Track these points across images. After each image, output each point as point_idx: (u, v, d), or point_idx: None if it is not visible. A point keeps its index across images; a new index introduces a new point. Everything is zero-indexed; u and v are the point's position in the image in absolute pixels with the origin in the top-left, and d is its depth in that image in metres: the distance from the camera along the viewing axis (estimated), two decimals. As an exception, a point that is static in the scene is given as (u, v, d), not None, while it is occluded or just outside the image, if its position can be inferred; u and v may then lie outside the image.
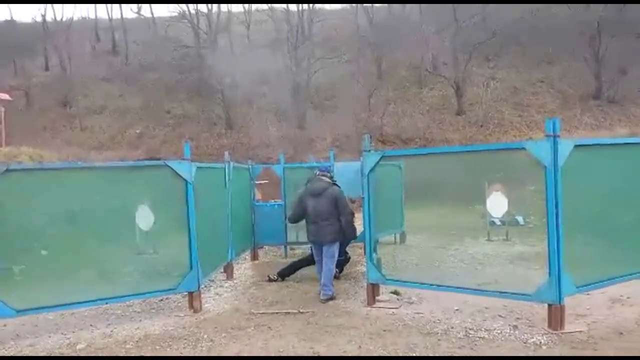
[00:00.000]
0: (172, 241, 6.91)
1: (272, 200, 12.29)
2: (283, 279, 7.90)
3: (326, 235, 6.73)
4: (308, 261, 7.85)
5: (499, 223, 14.67)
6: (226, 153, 8.45)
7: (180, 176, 6.23)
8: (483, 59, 30.70)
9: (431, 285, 5.85)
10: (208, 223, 7.04)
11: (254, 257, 10.17)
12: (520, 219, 14.56)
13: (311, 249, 7.68)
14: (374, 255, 6.21)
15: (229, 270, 8.28)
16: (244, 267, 9.36)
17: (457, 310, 5.88)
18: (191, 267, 6.28)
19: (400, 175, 11.15)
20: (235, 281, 8.07)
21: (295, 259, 8.14)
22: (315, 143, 26.83)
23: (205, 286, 7.28)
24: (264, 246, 10.88)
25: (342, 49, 32.66)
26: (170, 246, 6.93)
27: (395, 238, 11.39)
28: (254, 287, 7.62)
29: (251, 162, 10.32)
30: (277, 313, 6.09)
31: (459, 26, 29.33)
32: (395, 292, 6.59)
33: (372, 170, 6.15)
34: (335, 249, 6.85)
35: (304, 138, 27.45)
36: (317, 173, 7.09)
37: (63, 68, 33.11)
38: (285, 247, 10.37)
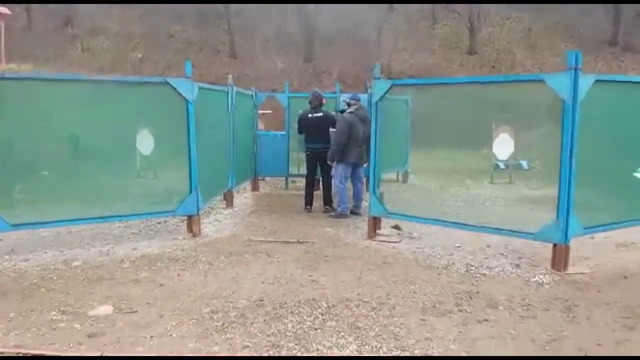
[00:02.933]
0: (172, 164, 6.74)
1: (275, 131, 12.09)
2: (311, 207, 7.91)
3: (365, 158, 7.34)
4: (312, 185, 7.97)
5: (503, 166, 14.48)
6: (229, 76, 8.16)
7: (182, 95, 5.99)
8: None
9: (433, 220, 5.72)
10: (209, 148, 6.86)
11: (255, 187, 10.05)
12: (524, 163, 14.33)
13: (307, 177, 7.92)
14: (377, 189, 6.06)
15: (228, 198, 8.18)
16: (244, 197, 9.27)
17: (458, 247, 5.80)
18: (191, 191, 6.15)
19: (407, 111, 10.87)
20: (234, 209, 7.99)
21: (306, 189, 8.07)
22: (321, 77, 26.25)
23: (205, 212, 7.20)
24: (265, 178, 10.74)
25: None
26: (170, 170, 6.77)
27: (397, 176, 11.24)
28: (254, 216, 7.54)
29: (255, 90, 10.00)
30: (275, 242, 6.02)
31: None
32: (396, 227, 6.49)
33: (381, 98, 5.89)
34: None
35: (309, 71, 26.85)
36: (351, 102, 7.37)
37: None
38: (287, 179, 10.23)
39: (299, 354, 3.25)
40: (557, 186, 4.98)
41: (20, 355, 3.24)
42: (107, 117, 6.03)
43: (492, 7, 28.70)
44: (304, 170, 9.92)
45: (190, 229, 6.26)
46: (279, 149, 9.94)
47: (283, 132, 10.29)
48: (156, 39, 29.45)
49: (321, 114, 7.74)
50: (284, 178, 10.31)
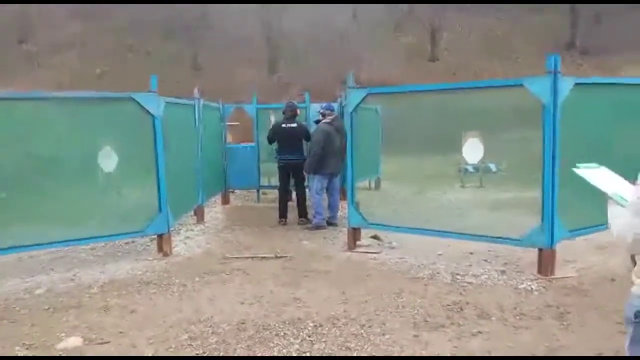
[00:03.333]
0: (138, 182, 6.42)
1: (244, 143, 11.83)
2: (285, 220, 7.68)
3: (340, 169, 7.22)
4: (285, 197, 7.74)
5: (471, 170, 14.60)
6: (195, 89, 7.88)
7: (147, 111, 5.70)
8: (459, 6, 30.00)
9: (415, 229, 5.58)
10: (177, 163, 6.58)
11: (225, 201, 9.77)
12: (492, 166, 14.45)
13: (280, 189, 7.70)
14: (355, 199, 5.90)
15: (199, 214, 7.88)
16: (214, 211, 8.96)
17: (440, 255, 5.67)
18: (160, 209, 5.85)
19: (377, 119, 10.79)
20: (206, 225, 7.69)
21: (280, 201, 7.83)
22: (287, 88, 26.10)
23: (175, 229, 6.88)
24: (235, 190, 10.46)
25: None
26: (136, 187, 6.44)
27: (369, 184, 11.13)
28: (227, 231, 7.26)
29: (222, 102, 9.74)
30: (252, 257, 5.77)
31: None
32: (376, 237, 6.33)
33: (356, 108, 5.74)
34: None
35: (274, 84, 26.66)
36: (326, 112, 7.27)
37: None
38: (258, 191, 9.98)
39: (288, 381, 3.03)
40: (538, 189, 4.93)
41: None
42: (69, 136, 5.71)
43: (453, 14, 29.18)
44: (274, 181, 9.73)
45: (160, 248, 5.95)
46: (249, 161, 9.69)
47: (252, 144, 10.04)
48: (117, 54, 28.81)
49: (295, 124, 7.55)
50: (255, 190, 10.04)
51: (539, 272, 4.84)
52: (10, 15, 30.11)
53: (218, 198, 9.64)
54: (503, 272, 5.03)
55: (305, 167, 7.17)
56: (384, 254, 5.76)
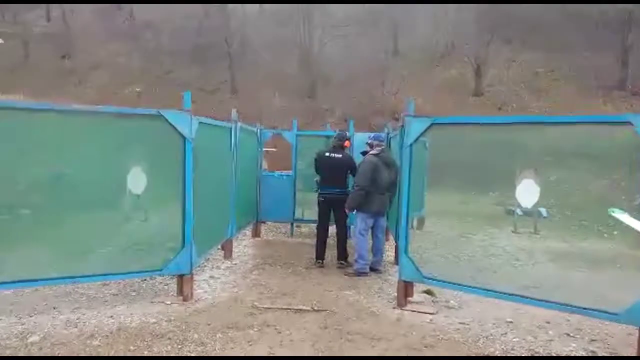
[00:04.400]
0: (161, 212, 5.69)
1: (280, 171, 11.11)
2: (322, 262, 6.85)
3: (386, 207, 6.60)
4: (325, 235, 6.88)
5: (520, 213, 13.53)
6: (233, 111, 7.19)
7: (178, 131, 4.99)
8: (504, 41, 29.16)
9: (483, 290, 4.63)
10: (209, 191, 5.85)
11: (256, 233, 8.99)
12: (543, 211, 13.34)
13: (319, 226, 6.81)
14: (409, 247, 5.02)
15: (227, 249, 7.10)
16: (244, 245, 8.18)
17: (510, 322, 4.71)
18: (184, 245, 5.08)
19: (424, 152, 9.96)
20: (234, 262, 6.89)
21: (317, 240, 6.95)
22: (324, 116, 25.52)
23: (199, 266, 6.11)
24: (266, 222, 9.66)
25: (357, 20, 31.09)
26: (158, 217, 5.71)
27: (411, 223, 10.19)
28: (257, 271, 6.44)
29: (260, 126, 9.05)
30: (286, 309, 4.92)
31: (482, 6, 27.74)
32: (429, 292, 5.42)
33: (416, 140, 4.91)
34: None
35: (312, 109, 26.11)
36: (374, 142, 6.48)
37: (65, 20, 31.48)
38: (292, 224, 9.17)
39: None
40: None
41: None
42: (87, 153, 5.04)
43: (497, 50, 28.31)
44: (309, 214, 8.93)
45: (180, 290, 5.15)
46: (285, 191, 8.93)
47: (289, 173, 9.30)
48: (154, 76, 28.84)
49: (340, 155, 6.76)
50: (289, 223, 9.24)
51: (642, 355, 3.85)
52: (53, 31, 30.66)
53: (248, 230, 8.86)
54: (593, 352, 4.06)
55: (348, 203, 6.34)
56: (441, 316, 4.83)
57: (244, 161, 7.72)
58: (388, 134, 8.41)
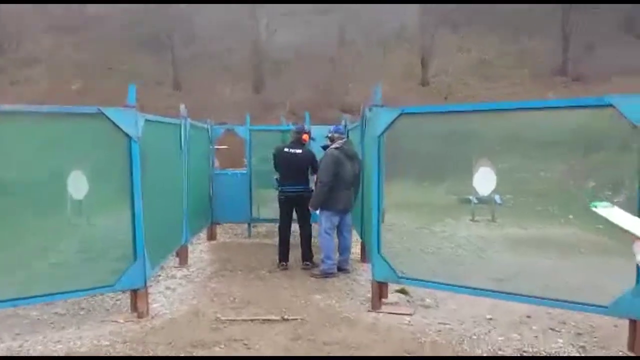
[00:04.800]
0: (107, 221, 5.15)
1: (233, 169, 10.64)
2: (286, 264, 6.46)
3: (352, 203, 6.20)
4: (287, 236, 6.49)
5: (475, 201, 13.59)
6: (182, 106, 6.67)
7: (122, 130, 4.48)
8: (451, 28, 29.48)
9: (464, 288, 4.38)
10: (159, 195, 5.35)
11: (211, 236, 8.50)
12: (497, 197, 13.46)
13: (281, 226, 6.47)
14: (381, 244, 4.73)
15: (182, 255, 6.62)
16: (199, 250, 7.69)
17: (490, 319, 4.51)
18: (135, 257, 4.59)
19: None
20: (190, 269, 6.41)
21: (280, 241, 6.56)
22: (274, 108, 25.01)
23: (153, 277, 5.61)
24: (221, 223, 9.17)
25: (305, 8, 30.63)
26: (104, 228, 5.16)
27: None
28: (216, 278, 5.99)
29: (210, 122, 8.53)
30: (253, 320, 4.53)
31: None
32: (402, 291, 5.16)
33: (385, 131, 4.60)
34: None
35: (260, 103, 25.54)
36: (335, 135, 6.15)
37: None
38: (249, 225, 8.73)
39: None
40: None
41: None
42: (23, 158, 4.46)
43: (444, 36, 28.58)
44: (266, 213, 8.53)
45: (135, 306, 4.66)
46: (240, 190, 8.47)
47: (244, 171, 8.86)
48: (94, 71, 27.42)
49: (300, 150, 6.39)
50: (245, 224, 8.79)
51: (631, 348, 3.71)
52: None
53: (203, 233, 8.36)
54: (582, 347, 3.89)
55: (312, 202, 5.99)
56: (419, 317, 4.57)
57: (196, 160, 7.23)
58: (346, 126, 8.09)
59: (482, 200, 12.78)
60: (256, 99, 25.72)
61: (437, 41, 27.84)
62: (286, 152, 6.36)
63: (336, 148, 5.92)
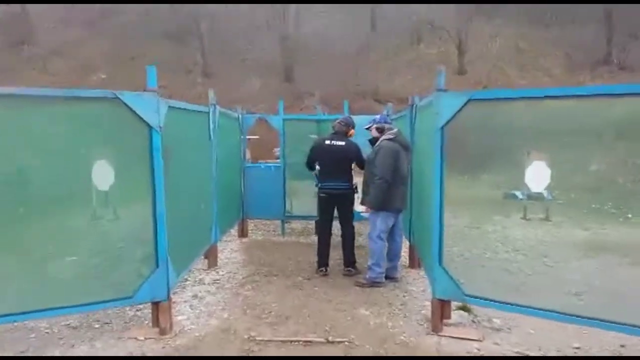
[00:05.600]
0: (127, 223, 4.54)
1: (265, 161, 10.02)
2: (326, 269, 5.77)
3: (407, 202, 5.63)
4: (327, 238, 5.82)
5: (520, 197, 12.68)
6: (210, 92, 6.02)
7: (141, 118, 3.84)
8: (486, 15, 28.21)
9: (550, 312, 3.60)
10: (185, 192, 4.73)
11: (242, 233, 7.88)
12: (546, 192, 12.48)
13: (320, 227, 5.81)
14: (443, 255, 3.99)
15: (212, 256, 6.00)
16: (230, 248, 7.07)
17: (577, 348, 3.74)
18: (157, 264, 3.97)
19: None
20: (220, 272, 5.79)
21: (319, 243, 5.84)
22: (303, 98, 24.32)
23: (179, 284, 4.99)
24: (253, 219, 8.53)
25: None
26: (123, 230, 4.56)
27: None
28: (249, 285, 5.34)
29: (241, 110, 7.88)
30: (291, 341, 3.86)
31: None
32: (465, 309, 4.41)
33: (451, 120, 3.85)
34: None
35: (290, 92, 24.89)
36: (384, 126, 5.41)
37: (20, 4, 29.38)
38: (283, 222, 8.07)
39: None
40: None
41: None
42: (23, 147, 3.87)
43: (480, 25, 27.38)
44: (301, 209, 7.87)
45: (156, 321, 4.04)
46: (273, 184, 7.80)
47: (277, 163, 8.20)
48: (121, 60, 27.14)
49: (343, 143, 5.66)
50: (279, 221, 8.14)
51: None
52: (11, 17, 28.71)
53: (234, 229, 7.74)
54: None
55: (371, 202, 5.18)
56: (489, 342, 3.83)
57: (225, 151, 6.59)
58: (388, 115, 7.33)
59: (530, 196, 11.88)
60: (286, 88, 25.05)
61: (472, 29, 26.71)
62: (328, 144, 5.65)
63: (390, 139, 5.17)
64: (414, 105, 5.69)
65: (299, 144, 8.00)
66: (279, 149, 9.78)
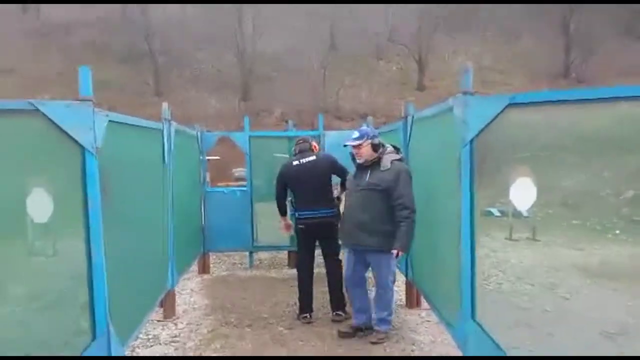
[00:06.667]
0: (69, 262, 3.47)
1: (225, 184, 8.99)
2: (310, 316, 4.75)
3: None
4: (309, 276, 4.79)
5: (497, 214, 12.09)
6: (164, 105, 4.99)
7: (71, 137, 2.80)
8: (446, 32, 28.18)
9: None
10: (133, 231, 3.68)
11: (204, 268, 6.81)
12: (524, 210, 11.93)
13: (300, 263, 4.90)
14: (476, 302, 3.09)
15: (168, 304, 4.90)
16: (189, 289, 6.00)
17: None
18: (94, 335, 2.89)
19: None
20: (179, 325, 4.71)
21: (300, 283, 4.86)
22: (262, 116, 23.36)
23: (129, 347, 3.89)
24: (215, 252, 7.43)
25: (292, 14, 29.13)
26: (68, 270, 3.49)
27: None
28: (217, 341, 4.28)
29: (200, 128, 6.85)
30: None
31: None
32: None
33: (482, 131, 2.98)
34: None
35: (248, 111, 23.92)
36: (380, 141, 4.27)
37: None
38: (251, 253, 7.04)
39: None
40: None
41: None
42: None
43: (441, 40, 27.28)
44: (270, 238, 6.90)
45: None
46: (239, 211, 6.79)
47: (243, 187, 7.20)
48: (68, 80, 25.47)
49: (313, 157, 4.75)
50: (247, 252, 7.11)
51: None
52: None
53: (194, 265, 6.66)
54: None
55: (406, 245, 4.03)
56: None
57: (183, 175, 5.56)
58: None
59: (504, 213, 11.32)
60: (243, 107, 24.07)
61: (432, 46, 26.59)
62: (297, 165, 4.72)
63: (399, 160, 4.22)
64: (409, 118, 4.83)
65: (267, 164, 7.10)
66: (238, 169, 8.72)
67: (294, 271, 6.75)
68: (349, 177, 4.39)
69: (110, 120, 3.19)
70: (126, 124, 3.61)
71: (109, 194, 3.11)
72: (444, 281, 3.59)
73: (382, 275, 4.18)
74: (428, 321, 4.60)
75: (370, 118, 7.11)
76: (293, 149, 5.10)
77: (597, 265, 6.84)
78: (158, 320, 4.80)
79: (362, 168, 4.22)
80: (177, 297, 5.35)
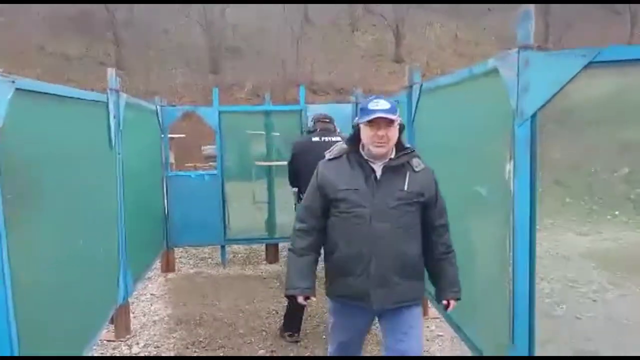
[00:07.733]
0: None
1: (194, 167, 8.01)
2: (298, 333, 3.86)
3: None
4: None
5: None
6: (110, 72, 3.95)
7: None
8: (423, 5, 27.23)
9: None
10: (68, 238, 2.73)
11: (168, 266, 5.86)
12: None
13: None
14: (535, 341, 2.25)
15: (120, 321, 3.96)
16: (149, 294, 5.06)
17: None
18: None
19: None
20: (135, 347, 3.79)
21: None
22: (232, 91, 22.12)
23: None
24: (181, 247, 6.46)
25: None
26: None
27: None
28: (181, 372, 3.39)
29: (161, 102, 5.82)
30: None
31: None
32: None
33: (549, 101, 2.11)
34: None
35: (217, 84, 22.65)
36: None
37: None
38: (223, 247, 6.10)
39: None
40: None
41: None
42: None
43: (417, 13, 26.34)
44: (244, 227, 6.01)
45: None
46: (208, 198, 5.83)
47: (213, 171, 6.23)
48: (22, 53, 23.67)
49: (338, 138, 3.76)
50: (219, 247, 6.17)
51: None
52: None
53: (156, 264, 5.70)
54: None
55: (460, 287, 2.47)
56: None
57: (138, 158, 4.56)
58: (357, 104, 5.54)
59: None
60: (212, 80, 22.76)
61: (408, 19, 25.66)
62: (317, 141, 3.82)
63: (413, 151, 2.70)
64: (416, 87, 3.92)
65: (240, 143, 6.18)
66: (208, 147, 7.75)
67: (274, 267, 5.94)
68: (335, 182, 2.42)
69: (18, 89, 2.21)
70: (47, 93, 2.62)
71: (18, 188, 2.17)
72: (484, 306, 2.76)
73: (417, 345, 2.41)
74: (440, 335, 3.80)
75: (358, 92, 6.12)
76: (309, 126, 4.20)
77: (611, 255, 6.16)
78: (108, 341, 3.87)
79: (376, 165, 2.38)
80: (134, 305, 4.45)
